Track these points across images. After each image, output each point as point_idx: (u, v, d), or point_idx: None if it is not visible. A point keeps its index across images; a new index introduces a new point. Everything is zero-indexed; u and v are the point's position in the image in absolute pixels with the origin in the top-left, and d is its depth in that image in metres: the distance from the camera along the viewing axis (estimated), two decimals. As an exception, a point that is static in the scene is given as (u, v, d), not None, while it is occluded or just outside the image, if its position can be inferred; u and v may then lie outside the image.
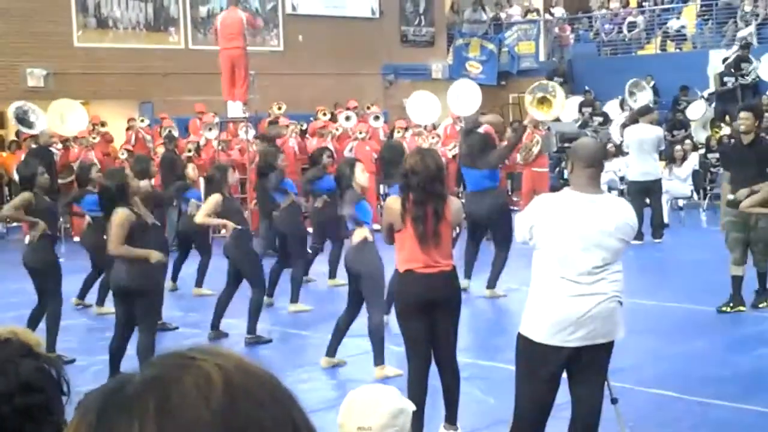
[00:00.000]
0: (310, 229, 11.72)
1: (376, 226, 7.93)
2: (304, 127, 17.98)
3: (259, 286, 9.08)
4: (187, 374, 0.95)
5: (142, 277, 7.38)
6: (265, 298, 10.15)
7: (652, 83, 22.05)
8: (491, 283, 10.71)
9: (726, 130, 18.73)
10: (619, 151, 17.63)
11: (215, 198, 9.05)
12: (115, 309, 7.79)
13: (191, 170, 12.02)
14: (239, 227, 9.01)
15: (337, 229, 10.27)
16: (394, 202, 6.04)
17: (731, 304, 9.35)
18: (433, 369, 6.07)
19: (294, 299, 10.36)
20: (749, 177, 9.08)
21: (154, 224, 9.08)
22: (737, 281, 9.35)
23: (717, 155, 18.43)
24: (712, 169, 18.03)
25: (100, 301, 10.38)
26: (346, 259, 7.77)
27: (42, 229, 8.40)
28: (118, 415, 0.93)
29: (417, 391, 5.79)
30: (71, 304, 10.47)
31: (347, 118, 18.83)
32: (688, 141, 18.46)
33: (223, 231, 9.27)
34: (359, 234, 7.53)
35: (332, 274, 11.55)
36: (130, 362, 7.62)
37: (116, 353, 7.64)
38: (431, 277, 5.89)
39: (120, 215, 7.32)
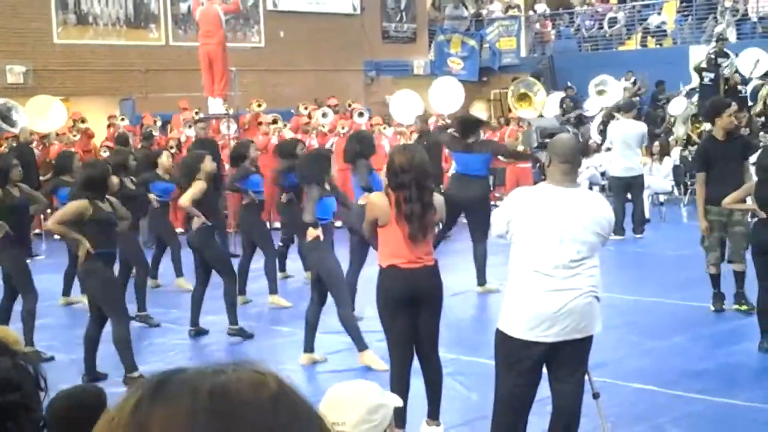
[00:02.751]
0: (276, 224, 11.68)
1: (338, 224, 8.07)
2: (286, 127, 17.90)
3: (230, 276, 9.09)
4: (242, 371, 1.03)
5: (89, 273, 7.46)
6: (239, 297, 10.15)
7: (633, 78, 22.10)
8: (481, 280, 10.67)
9: (706, 126, 18.82)
10: (600, 147, 17.70)
11: (201, 185, 9.03)
12: (87, 299, 7.90)
13: (165, 158, 11.61)
14: (208, 223, 9.03)
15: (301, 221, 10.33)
16: (379, 198, 6.05)
17: (721, 302, 9.30)
18: (416, 364, 6.09)
19: (273, 290, 10.36)
20: (730, 172, 8.92)
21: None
22: (717, 279, 9.30)
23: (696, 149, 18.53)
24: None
25: (66, 291, 10.38)
26: (303, 253, 7.87)
27: (4, 231, 8.37)
28: (172, 390, 0.99)
29: (399, 387, 5.79)
30: (58, 304, 10.41)
31: (324, 115, 18.82)
32: (671, 137, 18.56)
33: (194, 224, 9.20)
34: (312, 233, 7.71)
35: (307, 267, 11.54)
36: (114, 359, 7.63)
37: (90, 342, 7.76)
38: (415, 272, 5.90)
39: (76, 204, 7.53)
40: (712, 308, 9.28)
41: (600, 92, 19.82)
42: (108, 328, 7.68)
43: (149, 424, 0.97)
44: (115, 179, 9.24)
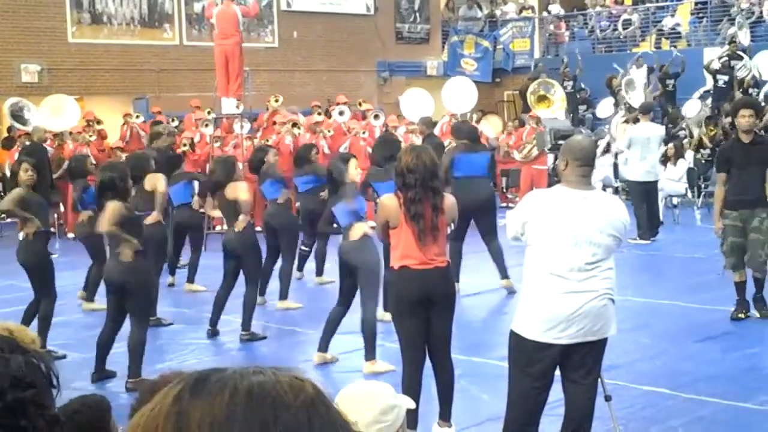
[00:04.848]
0: None
1: (371, 222, 8.02)
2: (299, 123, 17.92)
3: (255, 282, 9.09)
4: (282, 375, 1.06)
5: (135, 272, 7.43)
6: (259, 297, 10.13)
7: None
8: (504, 274, 10.57)
9: (720, 128, 18.76)
10: (608, 149, 17.66)
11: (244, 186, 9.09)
12: (107, 303, 7.84)
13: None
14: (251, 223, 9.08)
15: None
16: (389, 199, 6.04)
17: (744, 311, 8.97)
18: (428, 366, 6.08)
19: (283, 296, 10.33)
20: (752, 177, 8.69)
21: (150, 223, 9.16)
22: (741, 287, 8.97)
23: (709, 153, 18.45)
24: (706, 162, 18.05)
25: (90, 297, 10.34)
26: (342, 252, 7.77)
27: (36, 226, 8.41)
28: (212, 385, 1.03)
29: (411, 388, 5.78)
30: (81, 309, 10.40)
31: (341, 113, 18.81)
32: (685, 139, 18.49)
33: (218, 227, 9.25)
34: (360, 228, 7.60)
35: (319, 272, 11.55)
36: (121, 360, 7.64)
37: (104, 346, 7.75)
38: (427, 273, 5.89)
39: (114, 205, 7.47)
40: (732, 316, 8.95)
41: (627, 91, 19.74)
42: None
43: (188, 415, 1.01)
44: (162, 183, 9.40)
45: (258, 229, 10.89)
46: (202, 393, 1.02)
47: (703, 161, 18.30)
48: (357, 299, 7.82)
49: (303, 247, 11.52)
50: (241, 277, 9.10)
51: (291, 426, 1.00)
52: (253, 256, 9.04)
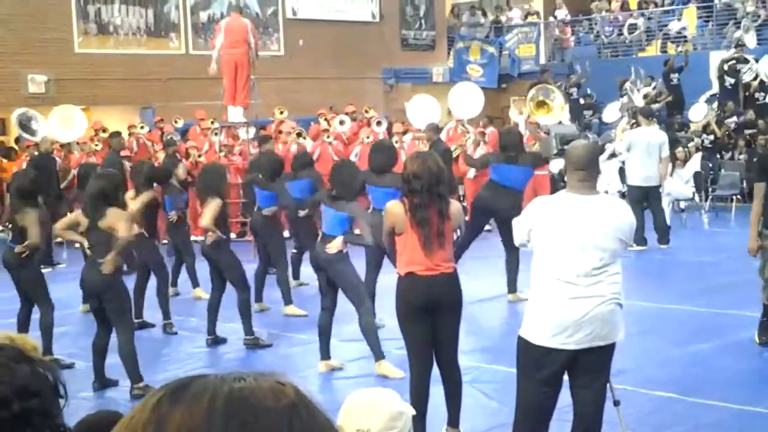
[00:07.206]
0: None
1: (357, 231, 8.11)
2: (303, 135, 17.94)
3: (243, 286, 9.08)
4: (263, 380, 1.06)
5: (109, 284, 7.48)
6: (257, 304, 10.14)
7: (653, 84, 22.00)
8: (511, 287, 10.51)
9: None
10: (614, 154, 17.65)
11: (218, 202, 9.05)
12: (90, 307, 7.94)
13: (181, 170, 11.75)
14: (223, 237, 9.08)
15: (312, 230, 10.35)
16: (395, 206, 6.05)
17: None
18: (435, 372, 6.07)
19: (287, 301, 10.35)
20: None
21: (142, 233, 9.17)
22: None
23: (712, 139, 18.56)
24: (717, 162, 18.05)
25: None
26: (318, 259, 7.91)
27: (35, 246, 8.44)
28: (192, 392, 1.03)
29: (419, 394, 5.79)
30: (79, 311, 10.43)
31: (341, 122, 18.82)
32: (691, 143, 18.47)
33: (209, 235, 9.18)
34: (338, 242, 7.72)
35: (296, 275, 11.69)
36: (122, 369, 7.64)
37: (99, 351, 7.79)
38: (433, 279, 5.90)
39: (120, 212, 7.55)
40: (757, 341, 8.29)
41: (624, 95, 19.74)
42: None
43: (167, 422, 1.01)
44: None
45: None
46: (181, 400, 1.03)
47: (708, 145, 18.33)
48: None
49: (293, 251, 11.57)
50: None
51: (270, 429, 1.00)
52: (227, 262, 9.05)
